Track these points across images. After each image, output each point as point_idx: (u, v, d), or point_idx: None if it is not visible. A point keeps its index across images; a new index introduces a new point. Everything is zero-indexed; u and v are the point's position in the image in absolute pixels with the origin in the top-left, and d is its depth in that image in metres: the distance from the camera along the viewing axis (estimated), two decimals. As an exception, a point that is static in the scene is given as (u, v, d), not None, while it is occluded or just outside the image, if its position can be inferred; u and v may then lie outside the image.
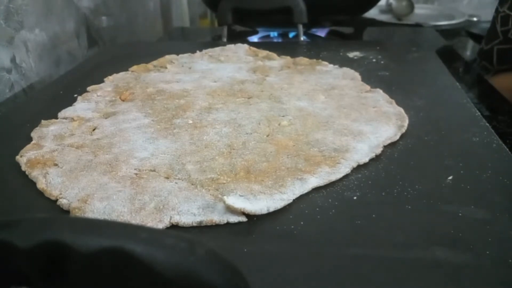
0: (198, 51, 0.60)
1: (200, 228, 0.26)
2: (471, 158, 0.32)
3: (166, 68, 0.54)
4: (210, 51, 0.60)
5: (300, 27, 0.66)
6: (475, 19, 1.08)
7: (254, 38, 0.78)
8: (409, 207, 0.27)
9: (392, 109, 0.40)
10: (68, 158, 0.33)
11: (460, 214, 0.26)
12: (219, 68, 0.53)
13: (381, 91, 0.44)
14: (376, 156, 0.33)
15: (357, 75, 0.49)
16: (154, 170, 0.31)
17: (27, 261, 0.12)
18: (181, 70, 0.53)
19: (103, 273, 0.11)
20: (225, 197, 0.27)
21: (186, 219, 0.26)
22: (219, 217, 0.26)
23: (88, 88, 0.47)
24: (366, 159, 0.32)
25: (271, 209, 0.27)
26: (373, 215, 0.26)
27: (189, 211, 0.27)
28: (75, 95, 0.46)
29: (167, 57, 0.57)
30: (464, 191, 0.28)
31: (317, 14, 0.72)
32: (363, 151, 0.33)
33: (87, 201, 0.28)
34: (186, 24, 1.13)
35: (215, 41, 0.77)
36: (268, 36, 0.80)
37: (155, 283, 0.10)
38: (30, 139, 0.37)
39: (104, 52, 0.72)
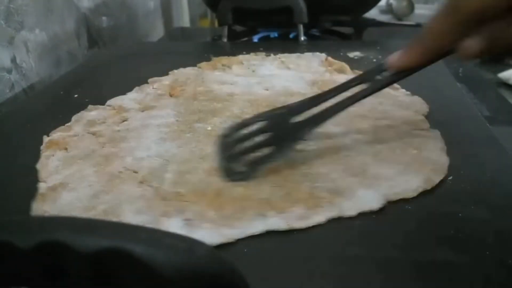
0: (272, 54, 0.56)
1: (200, 228, 0.26)
2: (470, 158, 0.32)
3: (231, 68, 0.52)
4: (286, 56, 0.56)
5: (301, 27, 0.66)
6: (475, 19, 1.08)
7: (255, 39, 0.78)
8: (409, 207, 0.27)
9: (435, 156, 0.32)
10: (81, 144, 0.35)
11: (460, 215, 0.26)
12: (281, 75, 0.50)
13: (439, 133, 0.35)
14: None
15: (425, 107, 0.40)
16: (136, 172, 0.31)
17: (27, 261, 0.12)
18: (244, 72, 0.51)
19: (103, 273, 0.11)
20: (164, 218, 0.26)
21: None
22: None
23: (149, 80, 0.49)
24: (354, 213, 0.26)
25: None
26: (373, 216, 0.26)
27: (131, 222, 0.25)
28: (75, 95, 0.46)
29: (240, 57, 0.55)
30: (463, 192, 0.28)
31: (317, 14, 0.72)
32: (359, 200, 0.27)
33: (57, 189, 0.29)
34: (186, 24, 1.13)
35: (215, 41, 0.77)
36: (269, 36, 0.80)
37: (155, 283, 0.10)
38: (29, 140, 0.37)
39: (104, 52, 0.72)
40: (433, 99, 0.43)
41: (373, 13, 0.93)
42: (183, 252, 0.11)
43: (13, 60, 0.55)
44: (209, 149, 0.33)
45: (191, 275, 0.10)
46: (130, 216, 0.26)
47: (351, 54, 0.58)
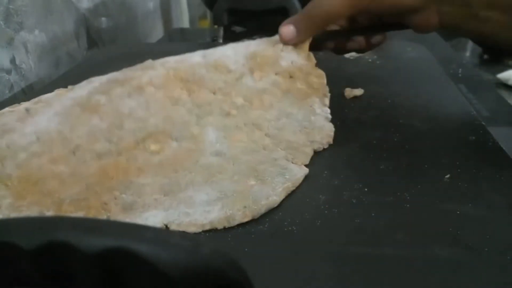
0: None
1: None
2: (467, 156, 0.32)
3: None
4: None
5: (296, 27, 0.66)
6: (474, 19, 1.08)
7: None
8: (408, 205, 0.27)
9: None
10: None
11: (458, 212, 0.26)
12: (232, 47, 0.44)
13: None
14: (373, 154, 0.33)
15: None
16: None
17: (30, 262, 0.12)
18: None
19: (108, 273, 0.11)
20: None
21: None
22: None
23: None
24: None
25: None
26: (373, 214, 0.26)
27: None
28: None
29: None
30: (461, 189, 0.28)
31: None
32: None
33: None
34: (186, 25, 1.13)
35: (212, 42, 0.77)
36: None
37: (160, 282, 0.10)
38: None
39: (103, 52, 0.71)
40: (429, 97, 0.43)
41: (372, 14, 0.92)
42: (188, 251, 0.11)
43: (13, 61, 0.55)
44: (79, 132, 0.31)
45: (197, 274, 0.11)
46: None
47: (347, 54, 0.57)
